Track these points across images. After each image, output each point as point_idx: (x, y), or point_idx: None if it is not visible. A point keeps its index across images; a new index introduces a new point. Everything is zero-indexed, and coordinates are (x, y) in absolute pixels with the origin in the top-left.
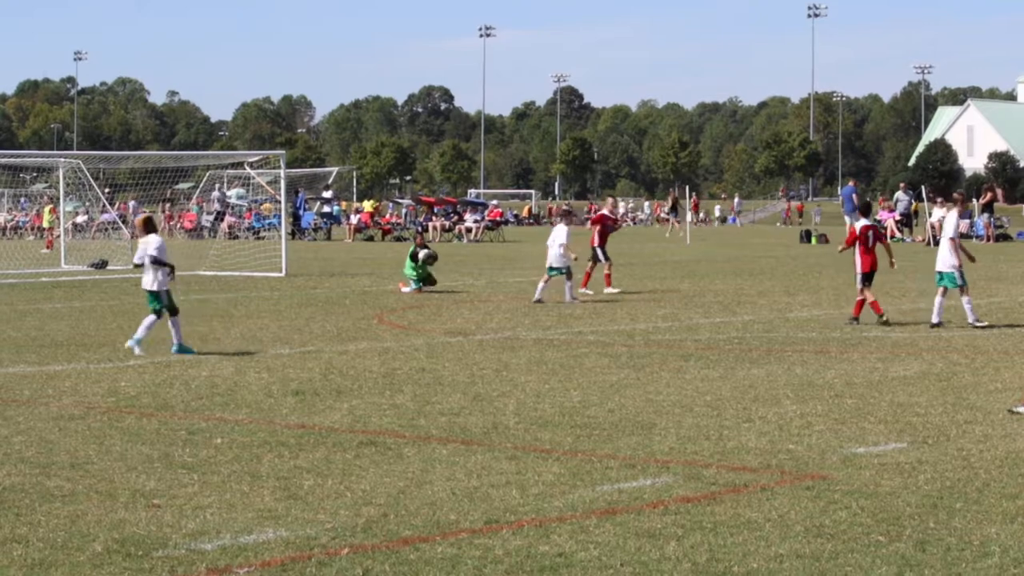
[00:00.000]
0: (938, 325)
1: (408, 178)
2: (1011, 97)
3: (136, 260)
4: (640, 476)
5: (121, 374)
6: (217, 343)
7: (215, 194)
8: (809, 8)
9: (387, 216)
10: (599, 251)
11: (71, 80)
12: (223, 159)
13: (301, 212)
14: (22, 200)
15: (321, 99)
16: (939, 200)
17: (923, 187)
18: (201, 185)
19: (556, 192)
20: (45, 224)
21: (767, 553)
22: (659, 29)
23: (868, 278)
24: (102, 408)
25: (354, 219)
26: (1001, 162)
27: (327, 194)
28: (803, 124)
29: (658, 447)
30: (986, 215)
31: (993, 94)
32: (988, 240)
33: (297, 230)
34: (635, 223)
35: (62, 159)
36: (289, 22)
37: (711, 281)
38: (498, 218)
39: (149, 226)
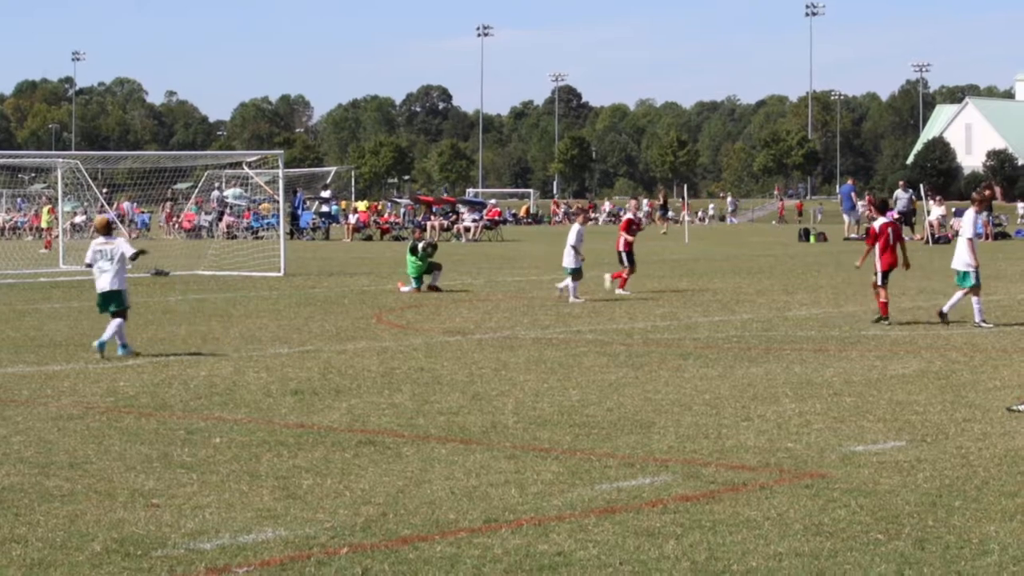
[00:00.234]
0: (944, 316)
1: (406, 178)
2: (1009, 95)
3: (88, 260)
4: (639, 475)
5: (120, 374)
6: (216, 342)
7: (214, 194)
8: (807, 7)
9: (385, 215)
10: (624, 256)
11: (69, 80)
12: (221, 159)
13: (299, 212)
14: (19, 200)
15: (319, 99)
16: (938, 198)
17: (921, 185)
18: (200, 185)
19: (555, 191)
20: (43, 224)
21: (766, 551)
22: (657, 28)
23: (884, 276)
24: (101, 408)
25: (352, 219)
26: (999, 160)
27: (325, 194)
28: (801, 123)
29: (657, 446)
30: (985, 213)
31: (991, 92)
32: (987, 238)
33: (295, 230)
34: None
35: (60, 159)
36: (287, 22)
37: (710, 280)
38: (496, 217)
39: (109, 228)
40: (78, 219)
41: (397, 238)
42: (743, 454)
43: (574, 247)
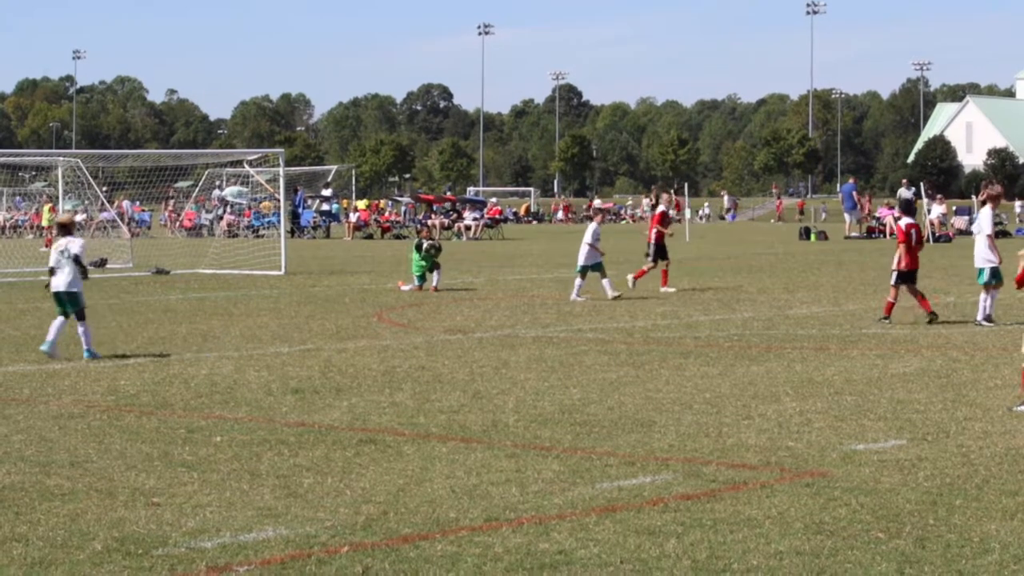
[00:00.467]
0: (988, 319)
1: (407, 176)
2: (1010, 93)
3: (52, 263)
4: (640, 473)
5: (120, 373)
6: (217, 341)
7: (215, 192)
8: (808, 5)
9: (386, 214)
10: (655, 248)
11: (70, 79)
12: (222, 157)
13: (300, 210)
14: (17, 199)
15: (320, 97)
16: (939, 197)
17: (921, 184)
18: (200, 183)
19: (556, 190)
20: (44, 223)
21: (767, 550)
22: (658, 27)
23: (908, 277)
24: (102, 407)
25: (353, 217)
26: (1000, 158)
27: (326, 192)
28: (802, 121)
29: (658, 444)
30: None
31: (992, 91)
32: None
33: (296, 228)
34: (634, 221)
35: (61, 158)
36: (288, 20)
37: (710, 278)
38: (497, 216)
39: (69, 228)
40: (79, 218)
41: (398, 236)
42: (744, 453)
43: (590, 244)
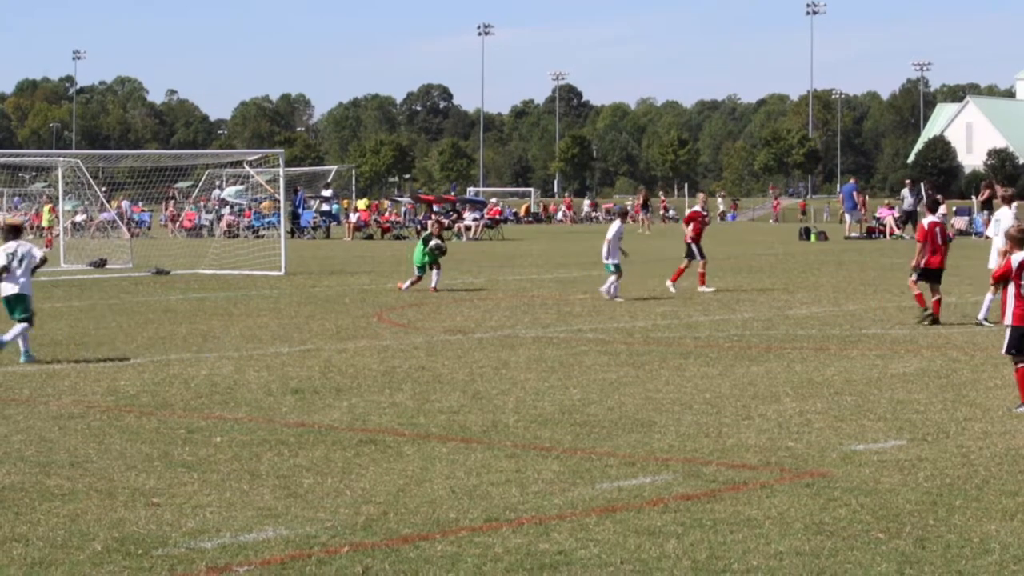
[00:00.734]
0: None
1: (407, 176)
2: (1010, 94)
3: (2, 262)
4: (640, 474)
5: (120, 373)
6: (217, 341)
7: (216, 193)
8: (808, 5)
9: (386, 215)
10: (694, 248)
11: (70, 79)
12: (222, 158)
13: (300, 211)
14: (15, 200)
15: (320, 97)
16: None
17: (921, 184)
18: (200, 184)
19: (556, 190)
20: (44, 223)
21: (767, 550)
22: (658, 27)
23: (934, 275)
24: (102, 407)
25: (353, 217)
26: (1000, 159)
27: (326, 192)
28: (802, 121)
29: (658, 445)
30: (985, 212)
31: (992, 91)
32: (987, 237)
33: (296, 228)
34: (633, 220)
35: (61, 158)
36: (288, 20)
37: (710, 279)
38: (497, 216)
39: (18, 231)
40: (79, 218)
41: (398, 237)
42: (744, 453)
43: (610, 241)
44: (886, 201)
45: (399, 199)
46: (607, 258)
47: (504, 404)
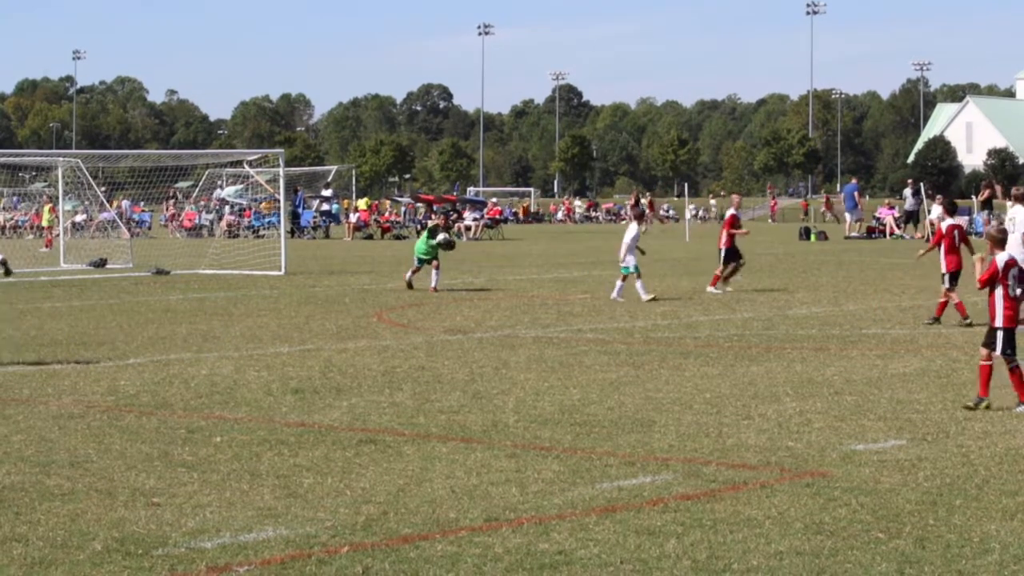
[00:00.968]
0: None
1: (407, 176)
2: (1010, 94)
3: None
4: (640, 474)
5: (120, 373)
6: (217, 341)
7: (216, 192)
8: (808, 5)
9: (386, 214)
10: (725, 252)
11: (70, 79)
12: (222, 158)
13: (300, 210)
14: (14, 199)
15: (320, 97)
16: (938, 197)
17: (922, 184)
18: (200, 184)
19: (556, 190)
20: (44, 223)
21: (767, 550)
22: (658, 26)
23: (954, 278)
24: (101, 407)
25: (353, 217)
26: (1000, 159)
27: (326, 192)
28: (802, 121)
29: (658, 444)
30: (985, 212)
31: (992, 91)
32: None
33: (296, 228)
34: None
35: (61, 158)
36: (287, 20)
37: (710, 278)
38: (497, 216)
39: None
40: (79, 218)
41: (398, 237)
42: (744, 453)
43: (627, 244)
44: (887, 201)
45: (399, 199)
46: (624, 260)
47: (504, 404)
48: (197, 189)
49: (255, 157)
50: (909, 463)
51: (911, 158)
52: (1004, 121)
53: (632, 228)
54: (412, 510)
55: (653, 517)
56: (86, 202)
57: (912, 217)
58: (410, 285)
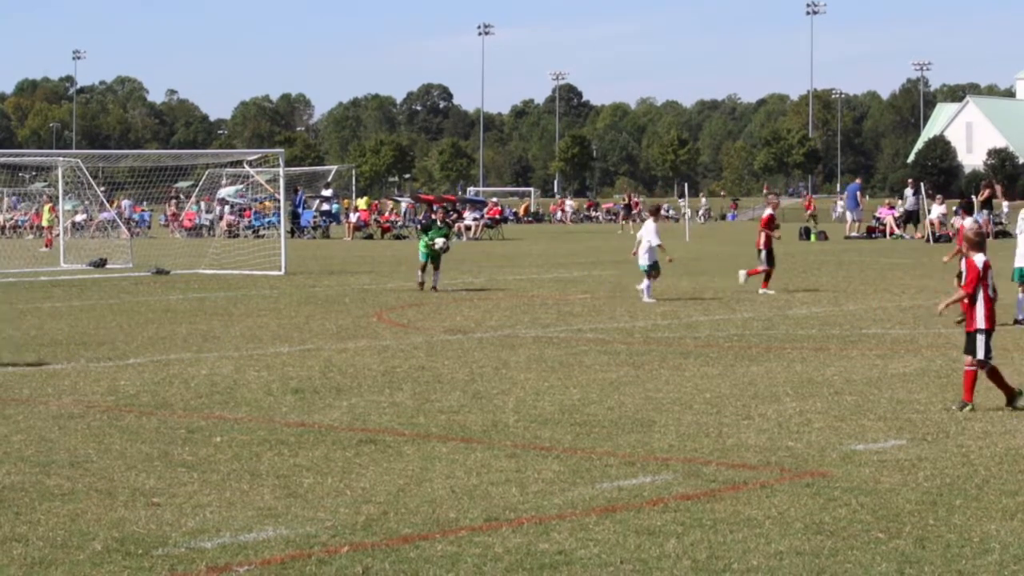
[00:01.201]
0: (1021, 322)
1: (407, 176)
2: (1010, 94)
3: None
4: (640, 473)
5: (120, 373)
6: (217, 341)
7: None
8: (808, 5)
9: (386, 214)
10: (765, 253)
11: (70, 79)
12: (222, 157)
13: (300, 210)
14: (14, 199)
15: (320, 97)
16: (939, 197)
17: (922, 184)
18: (200, 184)
19: (556, 190)
20: (44, 223)
21: (767, 550)
22: (658, 26)
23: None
24: (101, 407)
25: (353, 217)
26: (1000, 159)
27: (326, 192)
28: (802, 121)
29: (658, 444)
30: (985, 212)
31: (992, 91)
32: (987, 236)
33: (296, 228)
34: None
35: (61, 158)
36: (288, 20)
37: (710, 278)
38: (497, 216)
39: None
40: (79, 218)
41: (398, 237)
42: (744, 453)
43: (651, 244)
44: (887, 201)
45: (399, 199)
46: (642, 260)
47: (504, 404)
48: (198, 189)
49: (255, 157)
50: (909, 463)
51: (911, 158)
52: (1004, 121)
53: (649, 225)
54: (412, 510)
55: (653, 517)
56: (86, 202)
57: (912, 217)
58: (422, 285)
